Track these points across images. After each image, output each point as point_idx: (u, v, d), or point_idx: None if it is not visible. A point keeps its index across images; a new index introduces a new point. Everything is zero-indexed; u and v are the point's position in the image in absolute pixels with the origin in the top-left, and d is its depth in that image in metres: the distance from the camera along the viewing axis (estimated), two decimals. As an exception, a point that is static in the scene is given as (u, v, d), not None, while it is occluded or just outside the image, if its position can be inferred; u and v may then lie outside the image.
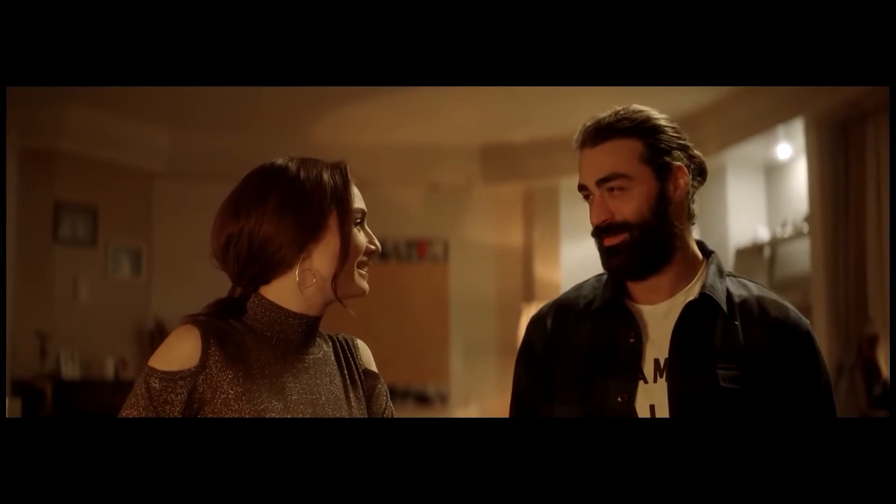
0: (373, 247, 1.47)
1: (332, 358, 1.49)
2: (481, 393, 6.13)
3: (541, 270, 6.11)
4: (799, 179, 5.12)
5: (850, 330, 4.38)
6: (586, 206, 1.57)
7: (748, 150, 5.20)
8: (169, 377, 1.33)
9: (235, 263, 1.41)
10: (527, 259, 6.27)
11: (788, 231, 5.10)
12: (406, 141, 5.92)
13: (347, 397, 1.47)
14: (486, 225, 6.36)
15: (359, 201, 1.46)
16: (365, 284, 1.46)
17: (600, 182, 1.52)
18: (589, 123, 1.55)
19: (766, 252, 5.34)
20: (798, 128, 4.82)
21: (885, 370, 4.16)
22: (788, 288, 4.91)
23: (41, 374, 5.02)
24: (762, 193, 5.53)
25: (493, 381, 6.03)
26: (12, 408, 4.33)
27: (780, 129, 4.95)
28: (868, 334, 4.30)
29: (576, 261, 5.84)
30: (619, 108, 1.55)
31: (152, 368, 1.34)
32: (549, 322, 1.61)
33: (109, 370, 5.33)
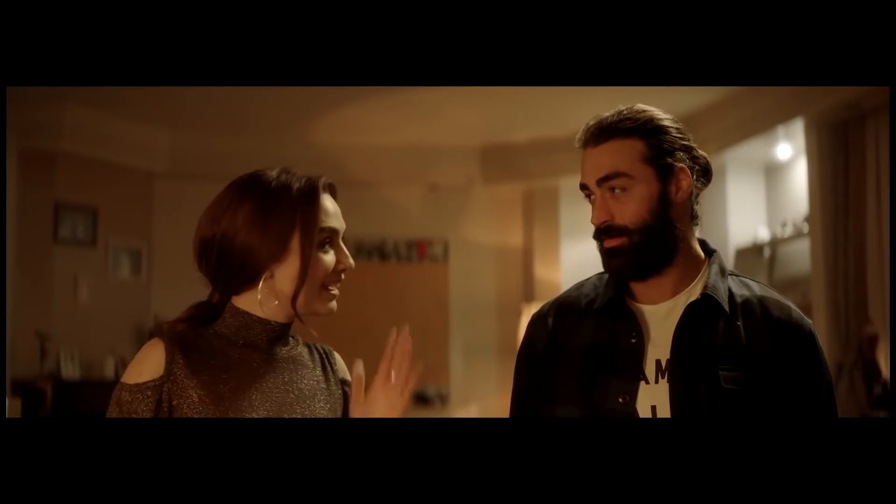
0: (341, 266, 1.46)
1: (307, 360, 1.51)
2: (481, 393, 6.13)
3: (541, 270, 6.11)
4: (799, 179, 5.12)
5: (850, 330, 4.38)
6: (586, 206, 1.56)
7: (748, 150, 5.21)
8: (136, 388, 1.39)
9: (207, 269, 1.45)
10: (527, 259, 6.27)
11: (788, 231, 5.10)
12: (406, 141, 5.92)
13: (317, 397, 1.48)
14: (486, 225, 6.36)
15: (333, 220, 1.45)
16: (331, 305, 1.47)
17: (601, 181, 1.51)
18: (592, 123, 1.54)
19: (766, 252, 5.34)
20: (798, 128, 4.82)
21: (885, 370, 4.16)
22: (788, 288, 4.91)
23: (41, 374, 5.03)
24: (762, 193, 5.53)
25: (493, 381, 6.03)
26: (12, 408, 4.32)
27: (780, 129, 4.95)
28: (868, 334, 4.30)
29: (575, 261, 5.84)
30: (622, 107, 1.55)
31: (122, 383, 1.41)
32: (550, 321, 1.61)
33: (109, 370, 5.33)
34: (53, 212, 5.35)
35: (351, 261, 1.47)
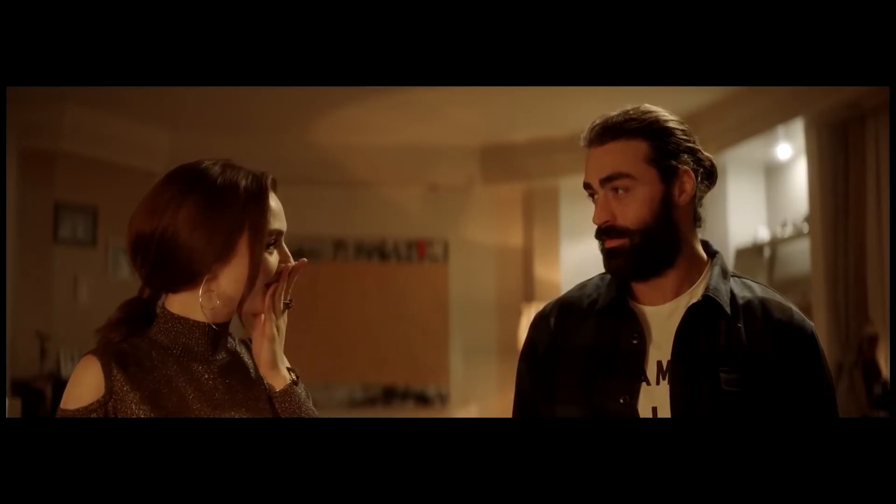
0: (283, 265, 1.41)
1: (246, 357, 1.47)
2: (481, 393, 6.13)
3: (540, 271, 6.11)
4: (799, 179, 5.12)
5: (850, 330, 4.38)
6: (586, 206, 1.56)
7: (748, 150, 5.20)
8: (83, 413, 1.33)
9: (143, 266, 1.39)
10: (527, 259, 6.27)
11: (788, 231, 5.10)
12: (406, 141, 5.92)
13: (256, 397, 1.42)
14: (486, 225, 6.35)
15: (277, 221, 1.40)
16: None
17: (604, 181, 1.51)
18: (597, 122, 1.54)
19: (766, 252, 5.34)
20: (798, 128, 4.82)
21: (885, 370, 4.16)
22: (788, 288, 4.91)
23: (41, 374, 5.02)
24: (762, 193, 5.53)
25: (492, 381, 6.03)
26: (12, 408, 4.32)
27: (780, 129, 4.95)
28: (868, 334, 4.30)
29: (575, 261, 5.84)
30: (629, 107, 1.54)
31: (64, 411, 1.34)
32: (552, 321, 1.61)
33: (109, 370, 5.31)
34: (53, 212, 5.35)
35: (293, 261, 1.43)
